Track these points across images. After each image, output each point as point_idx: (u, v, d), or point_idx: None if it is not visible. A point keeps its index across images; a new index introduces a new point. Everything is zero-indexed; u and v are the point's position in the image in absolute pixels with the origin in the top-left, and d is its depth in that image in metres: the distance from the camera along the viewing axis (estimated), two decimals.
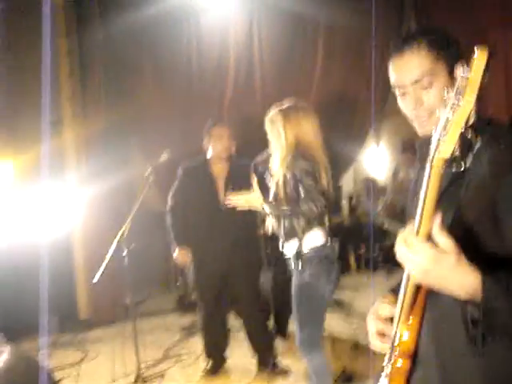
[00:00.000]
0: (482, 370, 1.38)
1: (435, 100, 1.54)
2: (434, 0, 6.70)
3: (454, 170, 1.45)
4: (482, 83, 1.23)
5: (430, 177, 1.28)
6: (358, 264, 8.46)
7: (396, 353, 1.55)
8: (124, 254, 4.37)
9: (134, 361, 4.54)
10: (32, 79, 5.91)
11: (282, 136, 3.43)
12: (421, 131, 1.61)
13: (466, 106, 1.23)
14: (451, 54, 1.58)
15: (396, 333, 1.56)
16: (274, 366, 4.65)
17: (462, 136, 1.32)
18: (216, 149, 4.52)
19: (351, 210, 9.21)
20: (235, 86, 6.81)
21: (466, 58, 1.47)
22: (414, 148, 6.71)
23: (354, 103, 7.11)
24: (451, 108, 1.25)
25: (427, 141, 1.51)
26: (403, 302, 1.47)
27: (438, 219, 1.26)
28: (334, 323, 5.73)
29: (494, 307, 1.24)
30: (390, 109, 8.20)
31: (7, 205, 6.16)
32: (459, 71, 1.42)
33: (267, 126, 3.54)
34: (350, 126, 7.52)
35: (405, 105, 1.62)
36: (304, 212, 3.29)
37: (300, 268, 3.36)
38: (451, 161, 1.37)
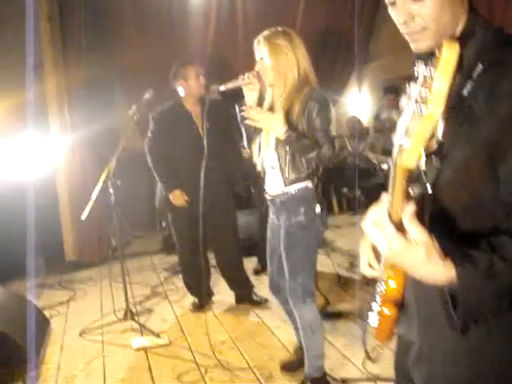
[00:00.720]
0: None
1: (428, 15, 1.32)
2: None
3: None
4: (451, 86, 1.05)
5: (394, 177, 1.16)
6: (340, 205, 8.58)
7: (384, 297, 1.49)
8: (111, 191, 4.39)
9: (122, 298, 4.62)
10: (11, 24, 5.83)
11: (293, 61, 2.96)
12: (413, 47, 1.40)
13: (430, 118, 1.05)
14: None
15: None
16: (252, 299, 4.86)
17: (460, 59, 1.18)
18: (191, 88, 4.50)
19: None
20: (217, 24, 6.76)
21: None
22: (396, 89, 6.79)
23: (338, 41, 7.10)
24: (412, 117, 1.07)
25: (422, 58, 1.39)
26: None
27: (410, 209, 1.14)
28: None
29: (471, 295, 1.18)
30: (373, 49, 8.21)
31: None
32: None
33: (264, 51, 3.00)
34: (334, 65, 7.51)
35: (394, 17, 1.39)
36: (324, 154, 2.94)
37: (291, 207, 3.09)
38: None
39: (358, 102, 9.47)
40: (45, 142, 6.34)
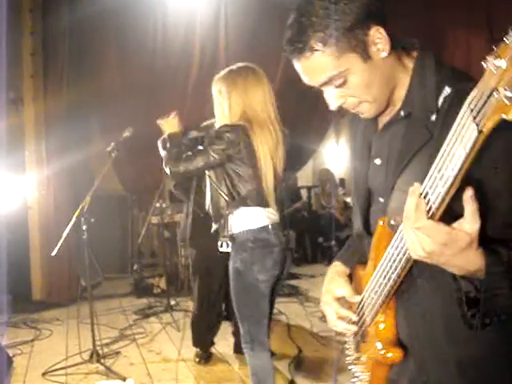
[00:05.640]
0: (461, 365, 1.33)
1: (356, 90, 1.33)
2: None
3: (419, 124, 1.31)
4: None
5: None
6: (315, 254, 8.55)
7: (374, 342, 1.45)
8: (83, 228, 4.30)
9: (89, 340, 4.48)
10: None
11: (226, 103, 3.01)
12: (364, 118, 1.43)
13: None
14: (351, 34, 1.28)
15: (363, 317, 1.49)
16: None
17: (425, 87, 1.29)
18: None
19: (309, 200, 9.29)
20: (200, 68, 6.81)
21: (377, 14, 1.30)
22: None
23: (316, 93, 7.16)
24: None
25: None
26: (385, 288, 1.35)
27: (470, 190, 1.06)
28: (291, 309, 5.80)
29: (496, 288, 1.15)
30: None
31: None
32: (372, 39, 1.28)
33: (213, 90, 3.10)
34: (312, 115, 7.57)
35: (328, 102, 1.39)
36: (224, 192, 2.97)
37: (232, 251, 3.00)
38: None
39: (335, 153, 9.57)
40: (19, 175, 6.24)
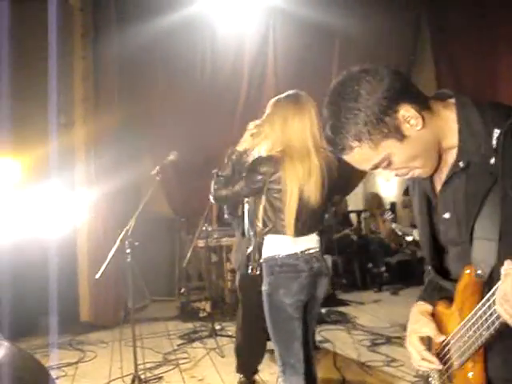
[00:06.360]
0: None
1: (404, 163, 1.42)
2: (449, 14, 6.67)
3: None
4: None
5: None
6: (364, 280, 8.36)
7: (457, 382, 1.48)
8: (127, 251, 4.30)
9: (133, 363, 4.46)
10: (43, 81, 5.95)
11: (267, 131, 3.08)
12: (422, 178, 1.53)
13: None
14: (382, 124, 1.37)
15: (450, 360, 1.50)
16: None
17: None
18: None
19: (359, 224, 9.13)
20: (248, 93, 6.81)
21: (402, 91, 1.38)
22: None
23: None
24: None
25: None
26: (476, 342, 1.36)
27: None
28: (337, 336, 5.66)
29: None
30: None
31: (14, 203, 6.15)
32: (404, 113, 1.36)
33: (268, 109, 3.13)
34: None
35: (387, 177, 1.49)
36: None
37: (258, 274, 3.08)
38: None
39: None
40: (69, 197, 6.35)
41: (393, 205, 8.81)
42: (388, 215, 7.16)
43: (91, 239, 6.51)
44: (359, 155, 1.40)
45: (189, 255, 5.85)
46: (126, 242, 4.33)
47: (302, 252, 3.02)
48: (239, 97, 6.90)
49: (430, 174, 1.47)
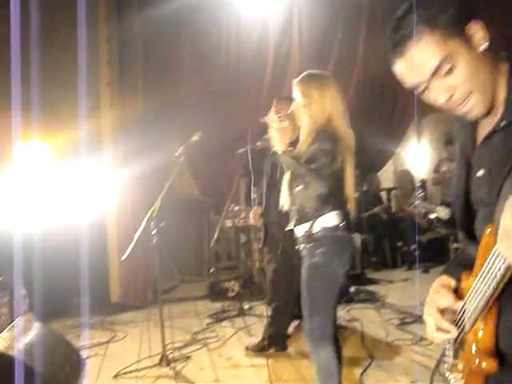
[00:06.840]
0: None
1: (465, 78, 1.34)
2: None
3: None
4: None
5: None
6: (394, 258, 8.29)
7: (471, 349, 1.41)
8: (153, 232, 4.33)
9: (161, 343, 4.51)
10: (71, 66, 5.98)
11: (316, 104, 3.05)
12: (469, 117, 1.43)
13: None
14: (457, 19, 1.34)
15: (463, 324, 1.44)
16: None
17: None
18: None
19: (389, 202, 9.05)
20: (273, 72, 6.77)
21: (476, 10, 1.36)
22: None
23: (395, 92, 6.96)
24: None
25: (465, 125, 1.49)
26: (485, 295, 1.31)
27: None
28: (366, 315, 5.64)
29: None
30: None
31: (45, 186, 6.24)
32: (474, 30, 1.34)
33: (296, 94, 3.11)
34: (391, 116, 7.37)
35: (433, 100, 1.41)
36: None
37: (310, 247, 3.07)
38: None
39: (416, 154, 9.27)
40: (97, 179, 6.41)
41: (423, 182, 8.68)
42: (420, 193, 7.06)
43: (120, 221, 6.58)
44: (426, 46, 1.33)
45: (216, 235, 5.87)
46: (152, 223, 4.36)
47: (343, 225, 3.07)
48: (264, 76, 6.86)
49: (482, 111, 1.39)
